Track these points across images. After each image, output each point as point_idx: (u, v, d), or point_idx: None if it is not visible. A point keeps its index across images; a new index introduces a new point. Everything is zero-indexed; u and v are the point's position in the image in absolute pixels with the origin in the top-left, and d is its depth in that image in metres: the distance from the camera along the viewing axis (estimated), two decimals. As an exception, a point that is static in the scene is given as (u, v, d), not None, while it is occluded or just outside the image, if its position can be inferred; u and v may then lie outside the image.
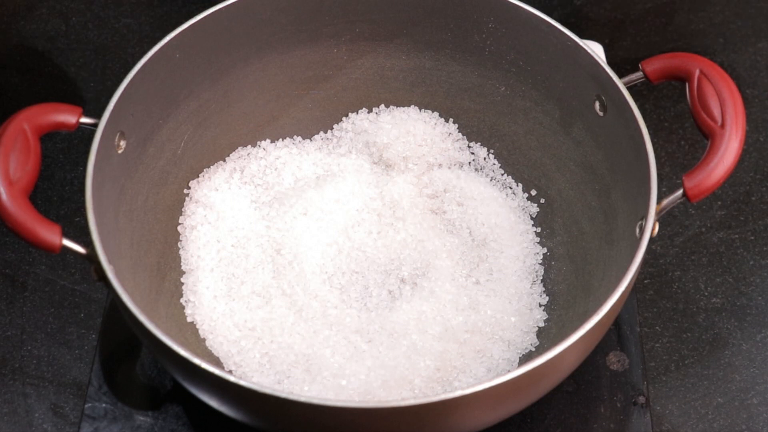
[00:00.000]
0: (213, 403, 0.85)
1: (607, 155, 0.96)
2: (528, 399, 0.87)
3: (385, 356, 0.92)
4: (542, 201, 1.03)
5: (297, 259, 0.98)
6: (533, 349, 0.95)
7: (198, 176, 1.03)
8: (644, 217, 0.87)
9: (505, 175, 1.05)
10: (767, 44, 1.21)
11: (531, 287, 0.98)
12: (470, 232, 1.01)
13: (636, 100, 0.91)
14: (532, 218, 1.03)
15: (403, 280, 0.99)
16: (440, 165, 1.05)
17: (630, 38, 1.22)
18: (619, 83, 0.93)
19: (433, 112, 1.07)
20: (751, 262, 1.06)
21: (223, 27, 0.98)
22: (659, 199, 0.88)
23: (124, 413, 0.95)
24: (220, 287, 0.97)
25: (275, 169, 1.04)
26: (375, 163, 1.05)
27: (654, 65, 0.93)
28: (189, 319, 0.96)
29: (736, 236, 1.07)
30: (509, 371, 0.80)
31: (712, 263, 1.05)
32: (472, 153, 1.06)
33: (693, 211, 1.09)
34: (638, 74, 0.93)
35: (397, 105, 1.07)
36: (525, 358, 0.95)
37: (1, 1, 1.22)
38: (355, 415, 0.79)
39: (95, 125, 0.89)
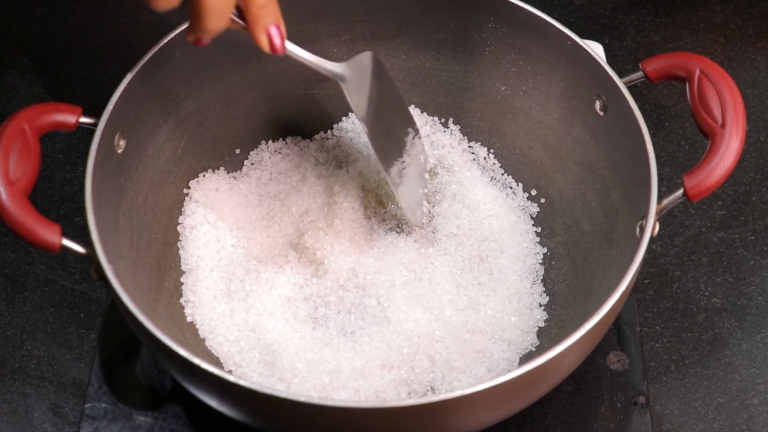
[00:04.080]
0: (213, 403, 0.85)
1: (607, 155, 0.96)
2: (528, 399, 0.87)
3: (384, 356, 0.92)
4: (542, 201, 1.03)
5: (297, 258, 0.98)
6: (533, 349, 0.95)
7: (198, 176, 1.02)
8: (644, 216, 0.87)
9: (505, 175, 1.05)
10: (767, 44, 1.21)
11: (531, 287, 0.98)
12: (470, 231, 1.01)
13: (636, 100, 0.91)
14: (532, 218, 1.03)
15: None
16: (440, 165, 1.05)
17: (630, 38, 1.22)
18: (619, 83, 0.93)
19: (432, 112, 1.07)
20: (751, 262, 1.06)
21: (223, 27, 0.98)
22: (659, 199, 0.88)
23: (124, 413, 0.95)
24: (219, 287, 0.97)
25: (276, 169, 1.04)
26: (375, 163, 1.05)
27: (654, 65, 0.93)
28: (189, 319, 0.96)
29: (736, 236, 1.07)
30: (509, 371, 0.80)
31: (712, 263, 1.05)
32: (472, 153, 1.06)
33: (693, 211, 1.09)
34: (638, 74, 0.93)
35: (397, 105, 1.07)
36: (525, 358, 0.95)
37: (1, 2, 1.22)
38: (355, 415, 0.79)
39: (95, 125, 0.89)
